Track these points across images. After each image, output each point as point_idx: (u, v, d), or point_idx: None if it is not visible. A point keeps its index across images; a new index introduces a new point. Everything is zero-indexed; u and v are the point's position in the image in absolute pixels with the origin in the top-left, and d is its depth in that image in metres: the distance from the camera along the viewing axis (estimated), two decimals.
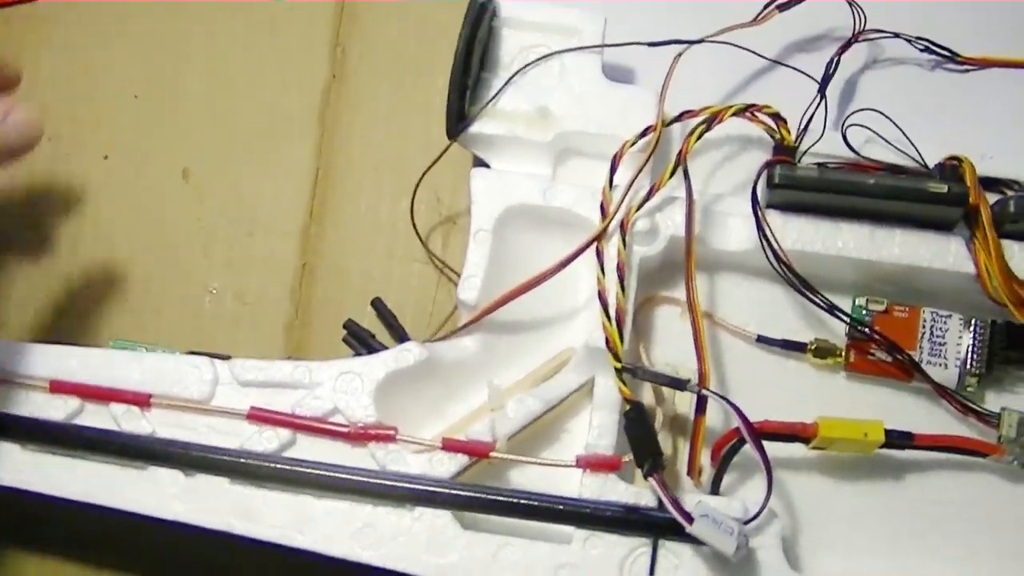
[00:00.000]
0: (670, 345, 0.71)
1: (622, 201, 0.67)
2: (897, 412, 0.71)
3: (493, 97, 0.72)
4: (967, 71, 0.81)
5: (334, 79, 0.80)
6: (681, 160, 0.68)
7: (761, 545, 0.64)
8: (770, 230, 0.67)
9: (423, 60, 0.74)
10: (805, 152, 0.70)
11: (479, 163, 0.73)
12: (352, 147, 0.78)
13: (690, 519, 0.61)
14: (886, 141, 0.72)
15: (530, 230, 0.70)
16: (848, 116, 0.73)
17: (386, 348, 0.69)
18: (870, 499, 0.70)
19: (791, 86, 0.74)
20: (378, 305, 0.73)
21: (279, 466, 0.65)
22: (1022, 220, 0.68)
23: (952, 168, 0.68)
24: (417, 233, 0.74)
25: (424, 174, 0.72)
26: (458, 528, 0.64)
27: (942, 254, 0.68)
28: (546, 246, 0.68)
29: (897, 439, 0.68)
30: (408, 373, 0.67)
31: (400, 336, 0.71)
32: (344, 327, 0.71)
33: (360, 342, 0.70)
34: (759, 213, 0.67)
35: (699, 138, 0.68)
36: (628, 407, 0.64)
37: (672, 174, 0.67)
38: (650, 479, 0.63)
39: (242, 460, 0.65)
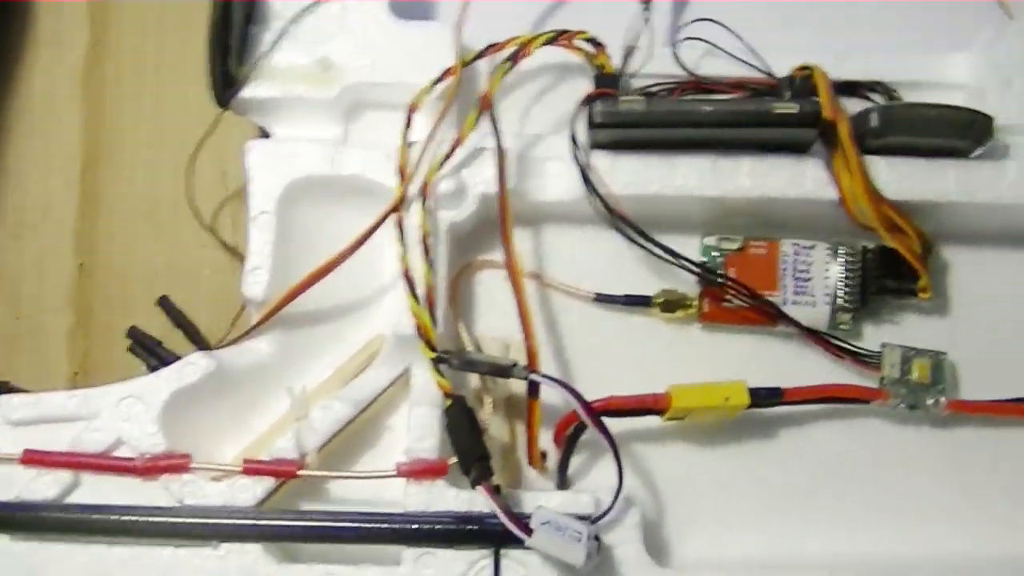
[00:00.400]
0: (496, 315, 0.63)
1: (420, 160, 0.57)
2: (765, 363, 0.63)
3: (263, 54, 0.62)
4: None
5: (93, 46, 0.69)
6: (486, 105, 0.58)
7: (618, 541, 0.56)
8: (596, 175, 0.57)
9: (192, 14, 0.63)
10: (633, 76, 0.61)
11: (265, 132, 0.62)
12: (123, 123, 0.68)
13: (528, 531, 0.52)
14: (727, 53, 0.63)
15: (322, 204, 0.61)
16: (680, 29, 0.63)
17: (178, 357, 0.59)
18: (741, 465, 0.62)
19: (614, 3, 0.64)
20: (166, 304, 0.64)
21: (62, 515, 0.56)
22: (887, 133, 0.60)
23: (803, 80, 0.61)
24: (199, 216, 0.63)
25: (197, 150, 0.61)
26: (271, 562, 0.55)
27: (798, 180, 0.60)
28: (343, 221, 0.59)
29: (764, 398, 0.60)
30: (196, 389, 0.58)
31: (194, 338, 0.63)
32: (128, 335, 0.62)
33: (148, 351, 0.61)
34: (580, 158, 0.57)
35: (505, 75, 0.59)
36: (448, 402, 0.55)
37: (476, 122, 0.58)
38: (479, 488, 0.54)
39: (19, 512, 0.56)
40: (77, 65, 0.69)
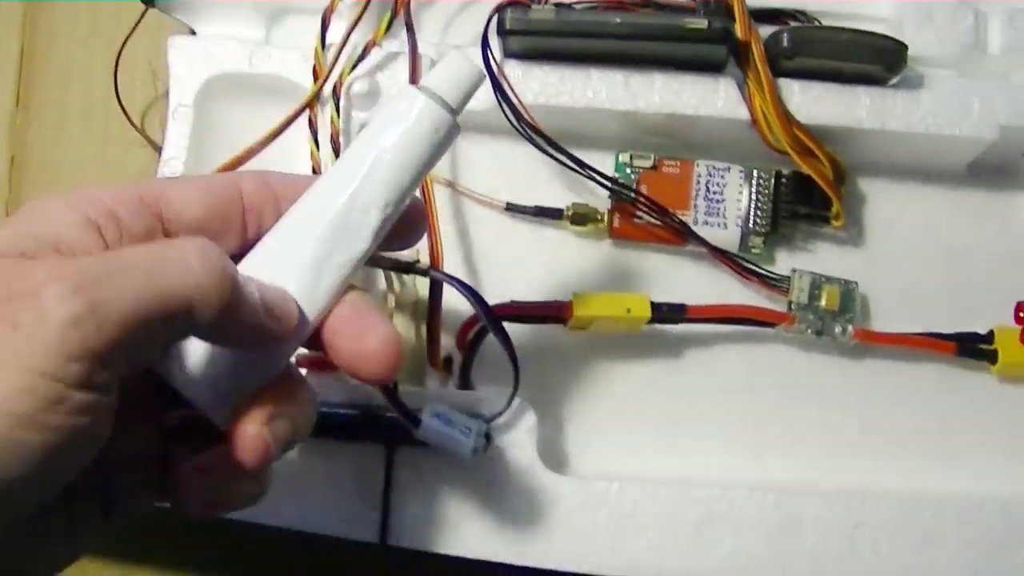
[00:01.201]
0: None
1: (335, 62, 0.57)
2: (673, 281, 0.64)
3: None
4: None
5: None
6: (399, 9, 0.59)
7: (513, 443, 0.57)
8: (508, 84, 0.58)
9: None
10: None
11: (193, 32, 0.63)
12: (56, 20, 0.70)
13: (417, 422, 0.52)
14: None
15: (240, 102, 0.62)
16: None
17: None
18: (645, 382, 0.63)
19: None
20: None
21: None
22: (799, 55, 0.60)
23: (718, 1, 0.58)
24: (125, 112, 0.65)
25: (123, 46, 0.63)
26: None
27: (710, 99, 0.60)
28: (260, 119, 0.59)
29: (667, 312, 0.60)
30: None
31: None
32: None
33: None
34: (491, 64, 0.57)
35: None
36: None
37: (389, 26, 0.59)
38: None
39: None
40: None
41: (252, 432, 0.38)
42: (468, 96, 0.42)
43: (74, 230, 0.36)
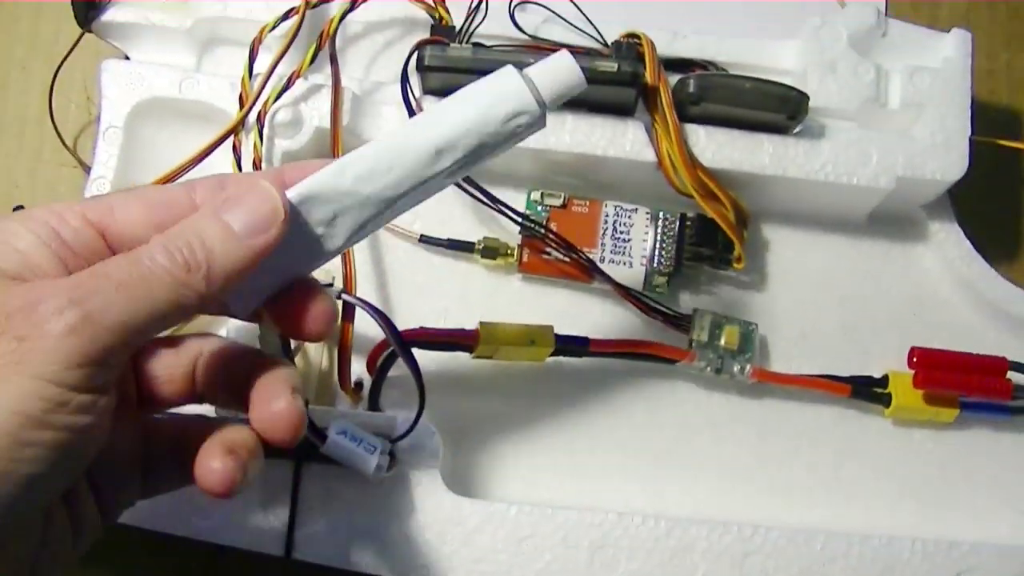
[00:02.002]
0: None
1: (261, 91, 0.60)
2: (580, 317, 0.66)
3: None
4: None
5: None
6: (323, 44, 0.62)
7: (417, 464, 0.59)
8: None
9: None
10: (471, 33, 0.64)
11: (127, 58, 0.65)
12: None
13: (323, 438, 0.54)
14: (564, 20, 0.65)
15: (168, 126, 0.64)
16: None
17: None
18: (549, 413, 0.65)
19: None
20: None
21: None
22: (704, 101, 0.62)
23: (630, 46, 0.63)
24: (59, 133, 0.67)
25: (58, 69, 0.65)
26: None
27: (618, 140, 0.63)
28: (187, 144, 0.61)
29: (571, 345, 0.61)
30: None
31: None
32: None
33: None
34: (410, 99, 0.60)
35: (342, 18, 0.62)
36: None
37: (313, 59, 0.62)
38: None
39: None
40: None
41: (283, 406, 0.42)
42: (561, 96, 0.43)
43: (34, 250, 0.39)
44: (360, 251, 0.61)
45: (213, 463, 0.41)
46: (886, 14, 0.68)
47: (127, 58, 0.66)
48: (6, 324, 0.35)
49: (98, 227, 0.41)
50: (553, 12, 0.66)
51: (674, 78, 0.64)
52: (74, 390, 0.36)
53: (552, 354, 0.62)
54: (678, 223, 0.64)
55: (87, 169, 0.64)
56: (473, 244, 0.65)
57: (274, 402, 0.42)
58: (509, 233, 0.64)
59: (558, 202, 0.64)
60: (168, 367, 0.45)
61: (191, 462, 0.42)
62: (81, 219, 0.40)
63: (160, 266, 0.38)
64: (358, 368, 0.60)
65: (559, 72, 0.43)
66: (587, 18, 0.65)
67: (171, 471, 0.45)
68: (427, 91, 0.62)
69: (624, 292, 0.63)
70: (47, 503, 0.39)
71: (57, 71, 0.65)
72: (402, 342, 0.56)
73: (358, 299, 0.55)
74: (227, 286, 0.40)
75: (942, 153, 0.63)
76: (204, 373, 0.45)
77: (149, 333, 0.39)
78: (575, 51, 0.58)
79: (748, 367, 0.63)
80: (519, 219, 0.62)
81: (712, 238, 0.65)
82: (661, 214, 0.64)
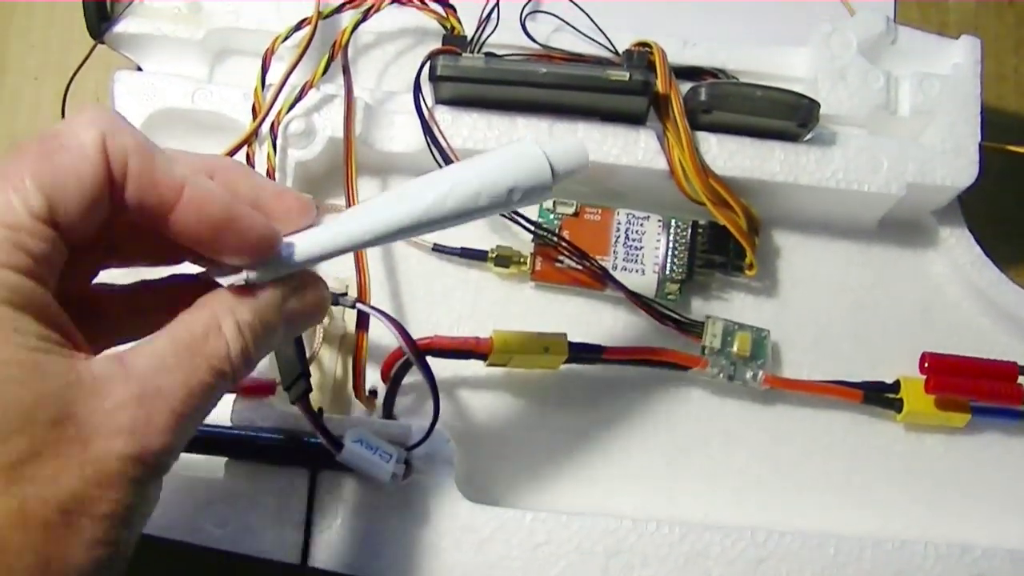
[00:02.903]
0: (341, 258, 0.62)
1: (274, 101, 0.60)
2: (592, 325, 0.66)
3: None
4: None
5: None
6: (336, 54, 0.62)
7: (432, 472, 0.59)
8: (437, 128, 0.61)
9: None
10: (482, 43, 0.64)
11: (140, 69, 0.66)
12: (10, 55, 0.72)
13: (340, 446, 0.54)
14: (575, 29, 0.66)
15: (181, 137, 0.64)
16: (529, 3, 0.67)
17: None
18: (562, 420, 0.65)
19: None
20: None
21: None
22: (715, 109, 0.62)
23: (641, 55, 0.63)
24: None
25: (71, 81, 0.65)
26: None
27: (630, 149, 0.63)
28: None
29: (584, 353, 0.61)
30: None
31: None
32: None
33: None
34: (422, 108, 0.60)
35: (355, 28, 0.62)
36: None
37: (326, 69, 0.62)
38: (298, 404, 0.55)
39: None
40: None
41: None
42: (569, 171, 0.45)
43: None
44: (373, 260, 0.62)
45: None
46: (895, 21, 0.68)
47: (139, 69, 0.66)
48: None
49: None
50: (564, 21, 0.66)
51: (685, 86, 0.64)
52: None
53: (565, 362, 0.61)
54: (690, 231, 0.64)
55: None
56: (486, 253, 0.65)
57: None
58: (522, 242, 0.64)
59: (570, 210, 0.64)
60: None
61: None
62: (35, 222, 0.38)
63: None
64: (372, 377, 0.60)
65: (571, 150, 0.46)
66: (598, 27, 0.65)
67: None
68: (439, 101, 0.63)
69: (637, 299, 0.64)
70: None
71: (70, 82, 0.66)
72: (417, 350, 0.56)
73: (373, 308, 0.56)
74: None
75: (952, 159, 0.64)
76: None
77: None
78: (586, 60, 0.59)
79: (760, 374, 0.63)
80: (532, 228, 0.62)
81: (724, 245, 0.65)
82: (673, 222, 0.64)
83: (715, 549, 0.59)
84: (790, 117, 0.62)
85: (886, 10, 0.71)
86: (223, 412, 0.56)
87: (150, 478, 0.37)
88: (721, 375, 0.63)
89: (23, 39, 0.72)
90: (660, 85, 0.62)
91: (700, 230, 0.64)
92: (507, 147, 0.45)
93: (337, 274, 0.62)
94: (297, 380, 0.55)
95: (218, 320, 0.39)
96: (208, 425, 0.50)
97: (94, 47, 0.65)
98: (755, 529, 0.60)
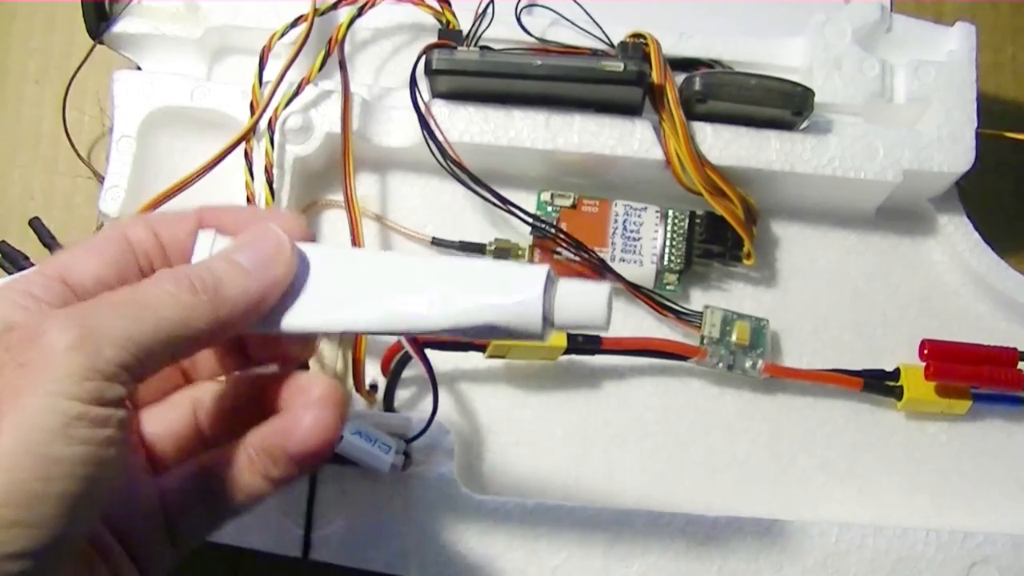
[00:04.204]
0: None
1: (271, 97, 0.60)
2: None
3: None
4: None
5: None
6: (332, 50, 0.62)
7: (433, 463, 0.59)
8: (434, 121, 0.61)
9: None
10: (478, 37, 0.64)
11: (138, 68, 0.66)
12: (11, 58, 0.73)
13: (339, 438, 0.54)
14: (571, 22, 0.66)
15: (181, 134, 0.65)
16: None
17: None
18: (562, 411, 0.65)
19: None
20: (36, 225, 0.67)
21: None
22: (710, 98, 0.63)
23: (636, 46, 0.63)
24: (73, 145, 0.68)
25: (71, 80, 0.65)
26: None
27: (626, 139, 0.63)
28: (199, 152, 0.62)
29: (583, 343, 0.62)
30: None
31: None
32: None
33: (14, 265, 0.64)
34: (419, 102, 0.60)
35: (350, 24, 0.63)
36: None
37: (323, 65, 0.62)
38: None
39: None
40: None
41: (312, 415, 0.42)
42: (572, 326, 0.40)
43: (15, 312, 0.38)
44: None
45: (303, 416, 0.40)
46: (891, 10, 0.68)
47: (139, 68, 0.66)
48: (6, 356, 0.35)
49: (61, 280, 0.40)
50: (559, 15, 0.67)
51: (680, 78, 0.64)
52: (89, 403, 0.35)
53: (564, 352, 0.62)
54: (687, 221, 0.65)
55: (101, 180, 0.65)
56: (485, 246, 0.65)
57: (303, 413, 0.41)
58: (520, 234, 0.65)
59: (568, 202, 0.65)
60: (167, 423, 0.45)
61: (217, 496, 0.42)
62: (43, 277, 0.40)
63: (164, 290, 0.39)
64: (372, 370, 0.61)
65: (584, 306, 0.39)
66: (593, 20, 0.66)
67: (197, 516, 0.44)
68: (436, 95, 0.63)
69: (635, 290, 0.64)
70: (85, 531, 0.37)
71: (70, 83, 0.66)
72: (416, 343, 0.56)
73: None
74: (237, 314, 0.40)
75: (948, 146, 0.64)
76: (210, 417, 0.45)
77: (161, 354, 0.38)
78: (581, 53, 0.59)
79: (760, 363, 0.64)
80: (530, 220, 0.62)
81: (722, 235, 0.65)
82: (670, 212, 0.64)
83: (718, 538, 0.59)
84: (785, 105, 0.63)
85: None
86: None
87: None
88: (720, 364, 0.63)
89: (24, 44, 0.72)
90: (655, 75, 0.62)
91: (698, 220, 0.64)
92: (510, 287, 0.39)
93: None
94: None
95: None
96: None
97: (93, 47, 0.65)
98: (757, 519, 0.60)
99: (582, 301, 0.39)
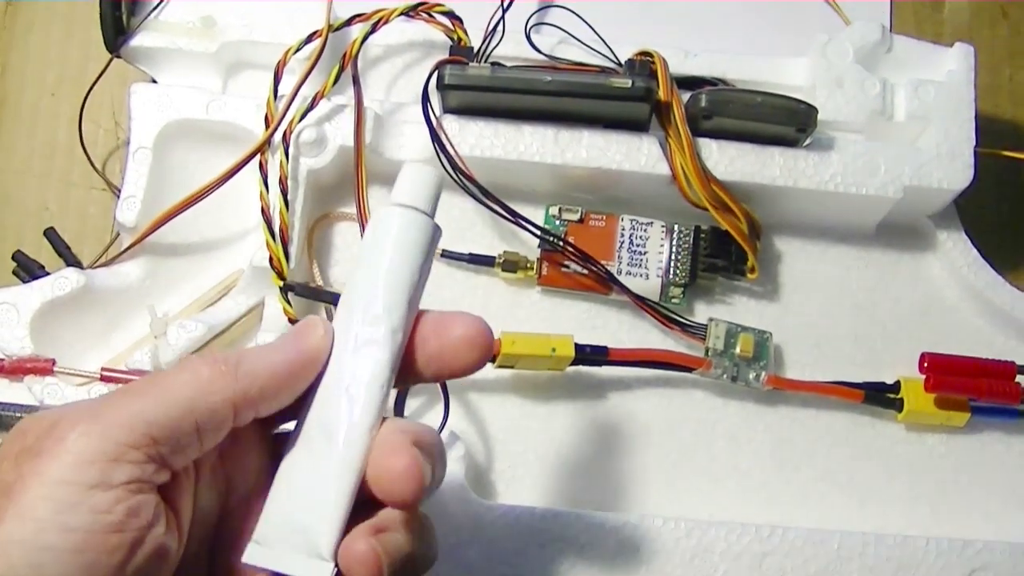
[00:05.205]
0: (351, 264, 0.64)
1: (286, 111, 0.62)
2: (598, 328, 0.67)
3: (155, 7, 0.66)
4: None
5: (8, 5, 0.74)
6: (346, 65, 0.64)
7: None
8: (445, 136, 0.62)
9: None
10: (488, 55, 0.65)
11: (154, 82, 0.67)
12: (28, 71, 0.74)
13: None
14: (579, 41, 0.68)
15: (196, 147, 0.66)
16: (534, 15, 0.68)
17: None
18: (569, 421, 0.66)
19: None
20: (51, 235, 0.68)
21: None
22: (716, 115, 0.64)
23: (643, 64, 0.64)
24: (88, 157, 0.69)
25: (88, 93, 0.66)
26: None
27: (633, 155, 0.64)
28: (214, 163, 0.63)
29: (590, 354, 0.63)
30: (67, 302, 0.62)
31: (75, 266, 0.66)
32: (13, 259, 0.66)
33: (29, 274, 0.65)
34: (431, 117, 0.62)
35: (364, 40, 0.64)
36: None
37: (336, 80, 0.63)
38: None
39: None
40: None
41: (404, 462, 0.39)
42: (436, 197, 0.43)
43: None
44: None
45: (395, 462, 0.39)
46: (891, 31, 0.69)
47: (154, 82, 0.67)
48: (31, 444, 0.36)
49: None
50: (568, 33, 0.68)
51: (686, 96, 0.65)
52: (92, 488, 0.35)
53: (572, 363, 0.63)
54: (692, 235, 0.66)
55: (116, 191, 0.66)
56: (493, 258, 0.66)
57: (393, 458, 0.39)
58: (528, 247, 0.66)
59: (575, 217, 0.66)
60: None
61: None
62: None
63: (183, 368, 0.39)
64: None
65: (421, 182, 0.43)
66: (601, 39, 0.67)
67: None
68: (447, 110, 0.64)
69: (641, 303, 0.65)
70: None
71: (87, 96, 0.67)
72: None
73: None
74: (257, 385, 0.39)
75: (947, 163, 0.65)
76: None
77: (179, 430, 0.37)
78: (589, 69, 0.60)
79: (763, 375, 0.65)
80: (538, 233, 0.63)
81: (726, 250, 0.66)
82: (676, 227, 0.66)
83: (720, 544, 0.60)
84: (789, 122, 0.64)
85: (882, 20, 0.72)
86: None
87: None
88: (724, 376, 0.65)
89: (41, 56, 0.73)
90: (662, 92, 0.63)
91: (702, 235, 0.66)
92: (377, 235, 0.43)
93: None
94: None
95: None
96: None
97: (110, 61, 0.66)
98: (759, 525, 0.61)
99: (416, 180, 0.43)
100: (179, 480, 0.38)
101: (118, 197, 0.64)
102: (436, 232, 0.43)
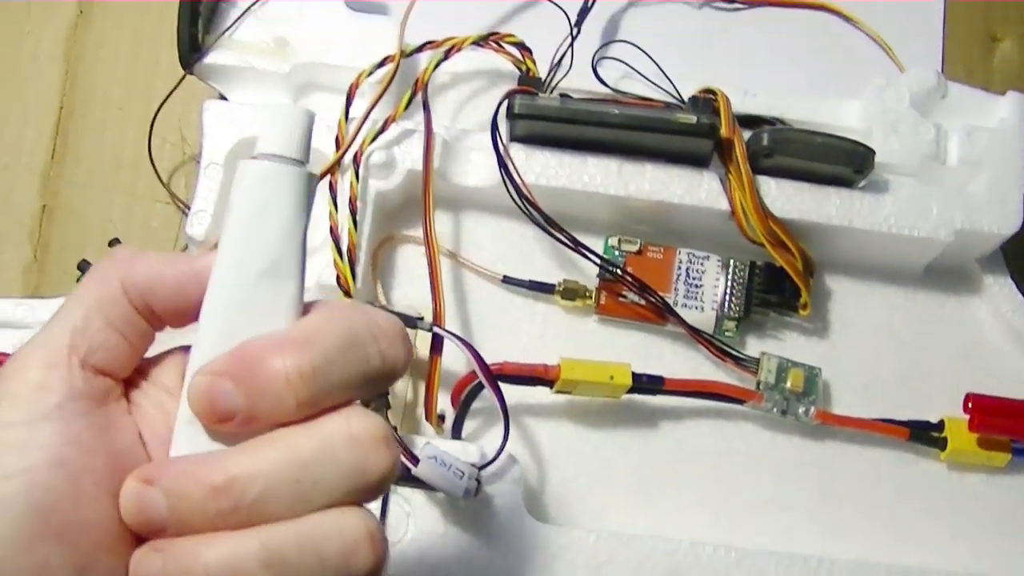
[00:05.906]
0: (413, 286, 0.68)
1: (357, 133, 0.63)
2: (653, 357, 0.68)
3: (230, 26, 0.67)
4: (735, 9, 0.78)
5: (80, 14, 0.75)
6: (417, 90, 0.65)
7: (500, 491, 0.61)
8: (512, 164, 0.64)
9: None
10: (555, 86, 0.67)
11: (224, 99, 0.69)
12: (96, 85, 0.75)
13: (415, 460, 0.56)
14: (642, 76, 0.69)
15: None
16: (600, 49, 0.69)
17: None
18: (623, 447, 0.67)
19: (549, 20, 0.71)
20: (116, 246, 0.68)
21: None
22: (777, 154, 0.65)
23: (706, 101, 0.66)
24: (156, 170, 0.70)
25: (160, 108, 0.68)
26: None
27: (694, 189, 0.65)
28: None
29: (646, 383, 0.64)
30: None
31: None
32: (79, 268, 0.67)
33: None
34: (499, 145, 0.63)
35: (436, 67, 0.65)
36: None
37: (408, 104, 0.64)
38: None
39: None
40: (62, 29, 0.77)
41: None
42: (305, 139, 0.37)
43: None
44: (446, 290, 0.65)
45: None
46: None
47: (223, 99, 0.68)
48: None
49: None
50: (632, 68, 0.69)
51: (746, 133, 0.66)
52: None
53: (628, 391, 0.64)
54: (748, 271, 0.67)
55: (180, 205, 0.67)
56: (553, 286, 0.68)
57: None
58: (587, 276, 0.67)
59: (634, 248, 0.67)
60: None
61: None
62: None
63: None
64: (441, 401, 0.63)
65: (284, 125, 0.37)
66: (665, 74, 0.68)
67: None
68: (513, 138, 0.65)
69: (696, 335, 0.66)
70: None
71: (158, 110, 0.69)
72: (489, 373, 0.58)
73: (448, 332, 0.58)
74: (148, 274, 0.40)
75: (997, 208, 0.67)
76: None
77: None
78: (654, 105, 0.62)
79: (812, 409, 0.66)
80: (598, 261, 0.65)
81: (779, 286, 0.68)
82: (731, 262, 0.67)
83: (769, 573, 0.61)
84: (847, 163, 0.65)
85: (934, 65, 0.74)
86: None
87: None
88: (775, 409, 0.66)
89: (109, 73, 0.74)
90: (724, 129, 0.65)
91: (757, 271, 0.67)
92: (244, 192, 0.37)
93: (411, 302, 0.65)
94: (377, 398, 0.57)
95: None
96: None
97: (183, 77, 0.67)
98: (807, 556, 0.62)
99: (279, 125, 0.37)
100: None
101: (182, 211, 0.65)
102: (308, 180, 0.37)
